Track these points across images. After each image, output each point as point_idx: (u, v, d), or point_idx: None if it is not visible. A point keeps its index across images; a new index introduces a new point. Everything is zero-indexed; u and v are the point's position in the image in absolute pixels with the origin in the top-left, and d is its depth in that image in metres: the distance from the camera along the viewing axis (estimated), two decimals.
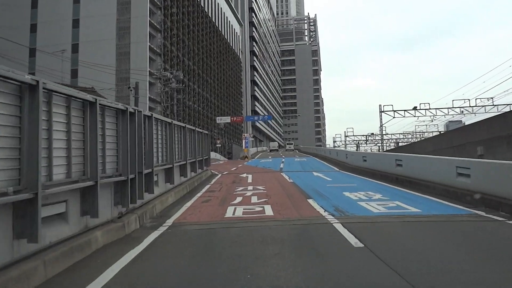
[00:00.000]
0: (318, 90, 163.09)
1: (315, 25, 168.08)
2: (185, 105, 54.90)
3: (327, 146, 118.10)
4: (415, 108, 50.15)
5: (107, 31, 46.24)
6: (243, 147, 34.43)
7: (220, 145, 51.29)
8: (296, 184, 13.33)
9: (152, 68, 48.56)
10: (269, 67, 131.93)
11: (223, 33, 78.85)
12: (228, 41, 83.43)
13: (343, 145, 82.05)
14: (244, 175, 17.58)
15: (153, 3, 47.85)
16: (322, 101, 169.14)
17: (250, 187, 12.26)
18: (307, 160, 29.88)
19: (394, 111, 50.27)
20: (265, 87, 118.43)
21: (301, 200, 9.30)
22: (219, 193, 11.31)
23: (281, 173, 18.25)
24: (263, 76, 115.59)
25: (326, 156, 31.79)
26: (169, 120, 11.15)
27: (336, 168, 21.15)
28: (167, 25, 50.92)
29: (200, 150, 18.12)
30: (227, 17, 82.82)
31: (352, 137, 75.18)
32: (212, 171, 21.75)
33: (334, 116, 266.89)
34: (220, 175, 18.61)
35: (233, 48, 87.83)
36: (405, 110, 50.43)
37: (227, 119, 35.93)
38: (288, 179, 15.16)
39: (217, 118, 36.51)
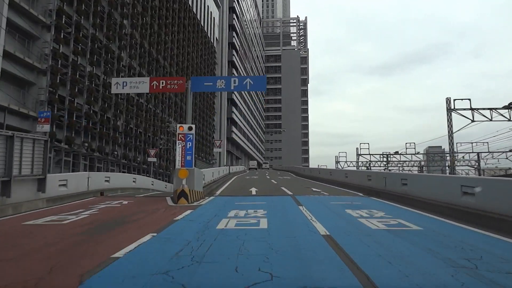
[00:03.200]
0: (306, 102, 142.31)
1: (305, 28, 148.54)
2: (105, 85, 31.70)
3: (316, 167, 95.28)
4: (510, 106, 28.59)
5: None
6: (177, 164, 10.84)
7: (155, 159, 28.37)
8: None
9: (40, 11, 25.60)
10: (252, 70, 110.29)
11: (190, 4, 56.60)
12: (199, 18, 61.20)
13: (348, 167, 60.34)
14: None
15: None
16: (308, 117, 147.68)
17: None
18: (401, 218, 7.08)
19: (473, 109, 28.56)
20: (245, 91, 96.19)
21: None
22: None
23: None
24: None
25: (405, 194, 9.43)
26: None
27: None
28: None
29: None
30: None
31: (368, 156, 53.32)
32: None
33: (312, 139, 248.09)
34: None
35: (206, 31, 65.59)
36: (492, 109, 28.79)
37: (138, 86, 12.78)
38: None
39: (114, 80, 12.90)
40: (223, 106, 76.10)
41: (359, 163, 60.70)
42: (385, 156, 53.51)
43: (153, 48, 41.73)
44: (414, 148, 50.76)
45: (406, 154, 51.76)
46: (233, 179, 28.08)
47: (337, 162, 62.01)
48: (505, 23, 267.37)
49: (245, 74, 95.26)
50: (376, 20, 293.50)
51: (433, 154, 59.97)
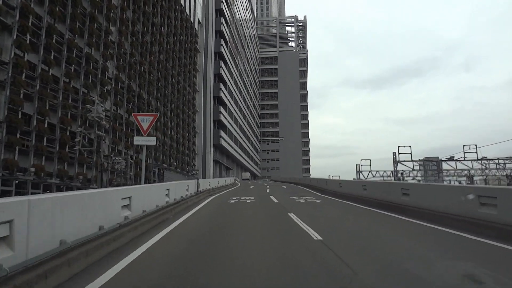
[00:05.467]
0: (306, 108, 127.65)
1: (304, 29, 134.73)
2: None
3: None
4: None
5: None
6: None
7: None
8: None
9: None
10: (245, 68, 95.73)
11: None
12: None
13: (374, 177, 45.64)
14: None
15: None
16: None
17: None
18: None
19: None
20: (236, 90, 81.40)
21: None
22: None
23: None
24: (234, 74, 78.73)
25: None
26: None
27: None
28: None
29: None
30: None
31: (410, 164, 37.98)
32: None
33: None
34: None
35: (183, 5, 50.63)
36: None
37: None
38: None
39: None
40: (208, 104, 60.90)
41: (383, 173, 45.94)
42: (429, 162, 38.05)
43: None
44: (476, 152, 35.52)
45: (465, 160, 36.57)
46: (196, 209, 12.61)
47: (359, 171, 46.75)
48: (492, 38, 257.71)
49: (235, 70, 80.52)
50: (366, 35, 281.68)
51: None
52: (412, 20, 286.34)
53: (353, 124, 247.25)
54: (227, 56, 70.13)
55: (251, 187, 32.62)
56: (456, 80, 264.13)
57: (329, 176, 46.87)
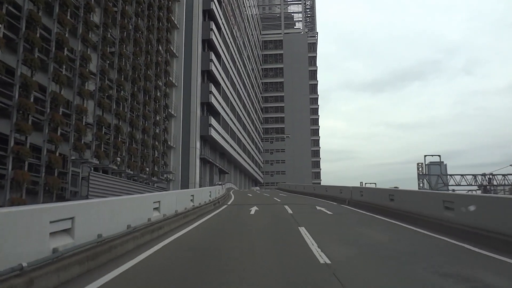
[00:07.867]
0: (315, 101, 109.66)
1: (312, 8, 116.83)
2: None
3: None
4: None
5: None
6: None
7: None
8: None
9: None
10: (246, 50, 77.99)
11: None
12: None
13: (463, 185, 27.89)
14: None
15: None
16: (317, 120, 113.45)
17: None
18: None
19: None
20: (233, 69, 63.50)
21: None
22: None
23: None
24: (230, 46, 60.79)
25: None
26: None
27: None
28: None
29: None
30: None
31: None
32: None
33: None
34: None
35: None
36: None
37: None
38: None
39: None
40: (194, 79, 42.98)
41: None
42: None
43: None
44: None
45: None
46: None
47: (425, 174, 28.85)
48: (494, 41, 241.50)
49: (232, 43, 62.55)
50: (367, 37, 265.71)
51: None
52: (413, 22, 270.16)
53: (354, 128, 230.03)
54: (221, 18, 52.26)
55: (252, 211, 14.74)
56: (458, 83, 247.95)
57: (361, 183, 29.40)
